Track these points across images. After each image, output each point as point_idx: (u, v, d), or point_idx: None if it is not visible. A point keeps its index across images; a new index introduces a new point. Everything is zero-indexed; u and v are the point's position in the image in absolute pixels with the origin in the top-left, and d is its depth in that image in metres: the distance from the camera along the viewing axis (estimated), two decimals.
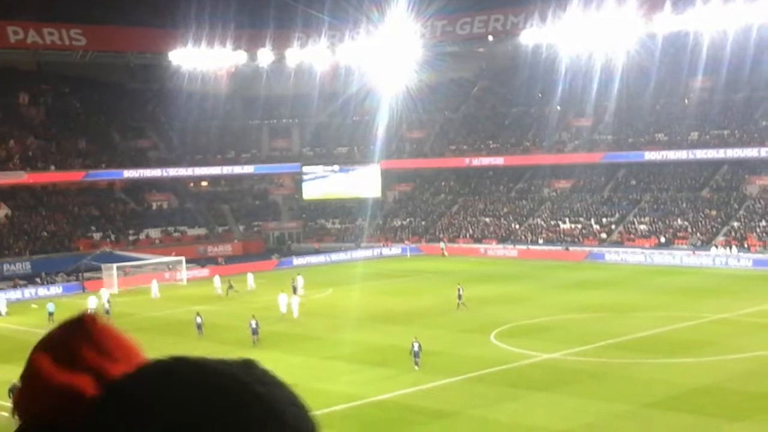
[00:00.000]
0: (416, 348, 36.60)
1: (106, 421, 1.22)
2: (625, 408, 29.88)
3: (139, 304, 57.11)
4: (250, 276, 63.40)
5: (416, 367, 36.17)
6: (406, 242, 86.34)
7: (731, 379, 33.15)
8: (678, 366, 35.58)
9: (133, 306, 56.41)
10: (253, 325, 42.62)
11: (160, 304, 57.62)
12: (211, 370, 1.24)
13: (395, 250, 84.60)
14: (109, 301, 55.13)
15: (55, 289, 65.17)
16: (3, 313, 56.19)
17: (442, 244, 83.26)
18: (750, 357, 36.60)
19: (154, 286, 61.48)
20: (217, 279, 63.22)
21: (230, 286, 60.59)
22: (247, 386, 1.23)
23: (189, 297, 59.52)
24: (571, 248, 78.18)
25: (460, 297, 51.01)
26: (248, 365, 1.28)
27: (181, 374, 1.23)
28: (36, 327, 49.69)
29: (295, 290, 55.17)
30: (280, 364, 31.21)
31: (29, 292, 63.21)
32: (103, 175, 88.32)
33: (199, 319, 45.73)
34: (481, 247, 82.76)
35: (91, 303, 53.88)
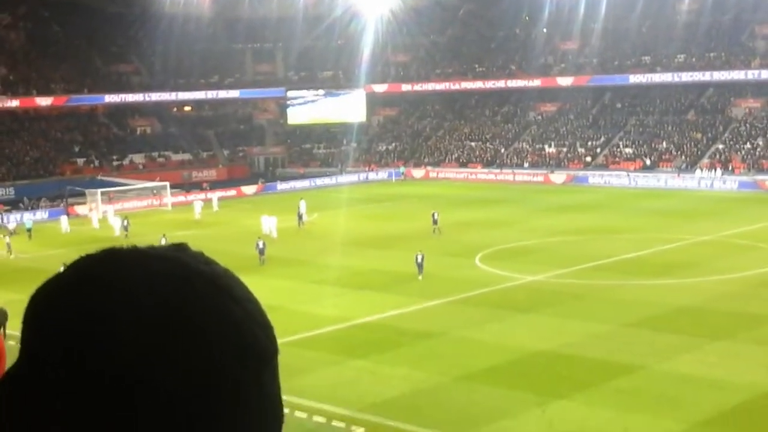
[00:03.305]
0: (419, 260, 38.38)
1: (58, 320, 1.09)
2: (606, 328, 30.25)
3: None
4: (214, 197, 67.07)
5: (420, 278, 38.09)
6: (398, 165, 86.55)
7: (713, 300, 33.55)
8: (661, 287, 35.96)
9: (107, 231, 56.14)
10: (260, 246, 43.35)
11: (143, 229, 57.06)
12: (153, 254, 1.15)
13: (381, 174, 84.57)
14: (126, 219, 55.54)
15: (40, 214, 65.03)
16: None
17: (401, 168, 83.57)
18: (733, 278, 37.01)
19: (95, 217, 60.75)
20: (197, 203, 63.52)
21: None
22: (191, 266, 1.15)
23: (172, 222, 59.48)
24: (555, 172, 78.35)
25: (435, 222, 51.16)
26: (183, 248, 1.19)
27: (120, 262, 1.13)
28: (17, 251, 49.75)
29: (300, 217, 55.38)
30: (265, 287, 31.42)
31: (14, 217, 62.98)
32: (85, 100, 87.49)
33: (163, 241, 45.93)
34: (467, 171, 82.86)
35: (115, 224, 55.84)
